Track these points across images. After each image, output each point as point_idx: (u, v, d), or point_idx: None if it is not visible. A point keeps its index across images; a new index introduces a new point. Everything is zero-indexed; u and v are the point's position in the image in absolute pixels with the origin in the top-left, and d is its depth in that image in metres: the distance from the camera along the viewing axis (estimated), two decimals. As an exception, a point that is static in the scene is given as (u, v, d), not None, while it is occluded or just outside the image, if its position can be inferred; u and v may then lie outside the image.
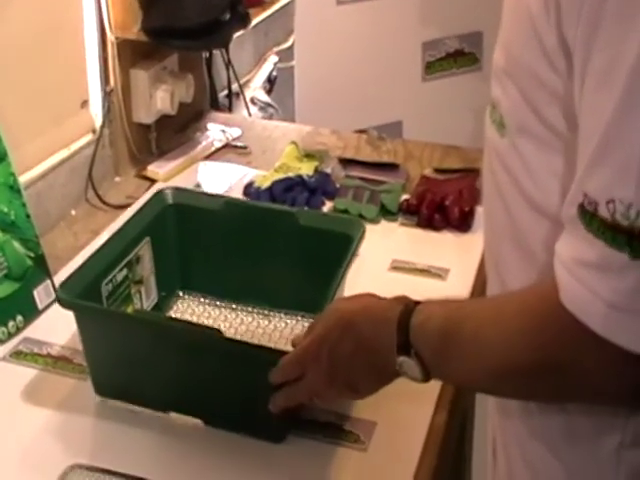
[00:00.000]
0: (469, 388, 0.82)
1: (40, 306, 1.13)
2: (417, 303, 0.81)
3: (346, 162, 1.53)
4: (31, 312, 1.12)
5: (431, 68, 1.92)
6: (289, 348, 0.90)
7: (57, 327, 1.10)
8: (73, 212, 1.39)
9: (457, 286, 1.21)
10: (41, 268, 1.15)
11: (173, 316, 1.12)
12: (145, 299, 1.10)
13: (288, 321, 1.11)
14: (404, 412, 0.98)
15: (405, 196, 1.41)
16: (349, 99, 1.87)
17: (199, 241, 1.14)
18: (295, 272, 1.11)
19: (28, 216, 1.14)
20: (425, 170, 1.51)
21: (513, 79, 0.74)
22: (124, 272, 1.05)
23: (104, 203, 1.40)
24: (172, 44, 1.49)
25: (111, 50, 1.45)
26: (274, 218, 1.12)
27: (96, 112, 1.45)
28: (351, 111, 1.87)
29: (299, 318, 1.11)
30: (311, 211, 1.12)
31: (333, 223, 1.10)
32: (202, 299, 1.15)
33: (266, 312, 1.12)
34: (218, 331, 0.92)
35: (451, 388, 1.02)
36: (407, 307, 0.80)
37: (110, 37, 1.43)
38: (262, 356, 0.89)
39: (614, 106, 0.62)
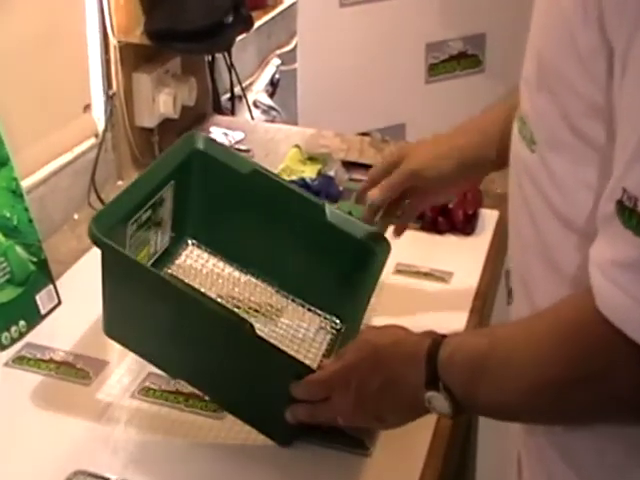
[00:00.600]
0: (500, 415, 0.81)
1: (43, 311, 1.13)
2: (444, 336, 0.81)
3: (349, 165, 1.53)
4: (34, 317, 1.12)
5: (434, 70, 1.92)
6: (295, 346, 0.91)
7: (60, 332, 1.10)
8: (76, 216, 1.38)
9: (461, 289, 1.20)
10: (44, 273, 1.14)
11: (179, 264, 1.11)
12: (159, 242, 1.09)
13: (291, 306, 1.11)
14: (408, 417, 0.97)
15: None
16: (352, 101, 1.87)
17: (218, 198, 1.11)
18: (308, 262, 1.09)
19: (31, 221, 1.14)
20: (429, 173, 1.50)
21: (545, 92, 0.71)
22: (148, 213, 1.02)
23: (107, 207, 1.40)
24: (175, 47, 1.50)
25: (113, 54, 1.45)
26: (299, 204, 1.09)
27: (99, 116, 1.45)
28: (354, 114, 1.86)
29: (302, 305, 1.11)
30: (339, 211, 1.10)
31: (359, 230, 1.08)
32: (210, 255, 1.13)
33: (270, 288, 1.12)
34: (251, 325, 0.89)
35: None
36: (435, 341, 0.80)
37: (112, 41, 1.43)
38: (289, 366, 0.88)
39: None
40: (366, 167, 1.52)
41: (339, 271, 1.06)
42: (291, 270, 1.11)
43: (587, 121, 0.68)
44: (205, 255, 1.15)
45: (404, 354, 0.83)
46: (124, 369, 1.05)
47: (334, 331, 1.09)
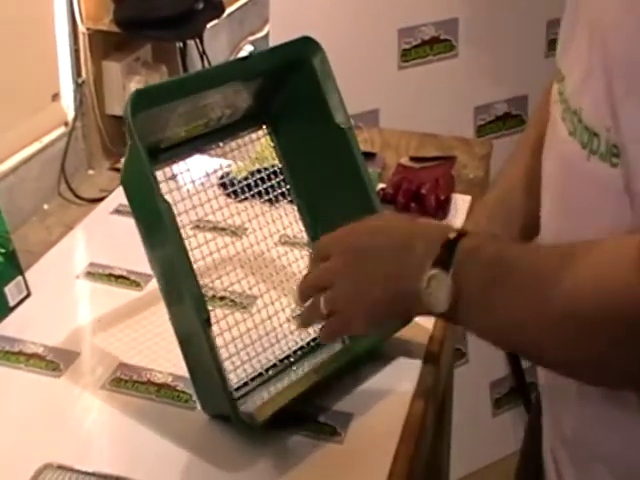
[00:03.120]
0: (504, 335, 0.72)
1: (12, 303, 1.12)
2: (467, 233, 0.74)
3: (322, 151, 1.52)
4: (2, 309, 1.11)
5: (407, 55, 1.91)
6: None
7: (29, 324, 1.08)
8: (46, 206, 1.37)
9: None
10: (12, 264, 1.13)
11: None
12: (224, 117, 1.03)
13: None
14: (380, 403, 0.97)
15: (381, 185, 1.41)
16: (325, 88, 1.86)
17: (302, 116, 1.06)
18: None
19: (-1, 211, 1.13)
20: (401, 159, 1.50)
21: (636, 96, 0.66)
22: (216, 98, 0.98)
23: (77, 197, 1.39)
24: (145, 35, 1.48)
25: (82, 41, 1.43)
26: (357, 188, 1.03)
27: (68, 104, 1.43)
28: (327, 100, 1.85)
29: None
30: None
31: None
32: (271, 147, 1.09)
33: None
34: (207, 319, 0.88)
35: (429, 377, 1.01)
36: (459, 232, 0.74)
37: (81, 28, 1.42)
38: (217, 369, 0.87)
39: None
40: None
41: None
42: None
43: None
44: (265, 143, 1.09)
45: (420, 227, 0.79)
46: (95, 360, 1.04)
47: None
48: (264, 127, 1.09)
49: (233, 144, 1.09)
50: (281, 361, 1.01)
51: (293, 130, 1.08)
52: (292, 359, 1.02)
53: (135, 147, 0.87)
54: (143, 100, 0.88)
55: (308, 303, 0.87)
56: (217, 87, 0.97)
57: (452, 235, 0.74)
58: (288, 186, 1.09)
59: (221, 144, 1.06)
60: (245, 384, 0.97)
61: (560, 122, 0.77)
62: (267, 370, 0.99)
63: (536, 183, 0.85)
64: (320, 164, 1.07)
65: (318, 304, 0.83)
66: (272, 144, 1.09)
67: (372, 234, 0.80)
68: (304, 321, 0.91)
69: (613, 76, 0.68)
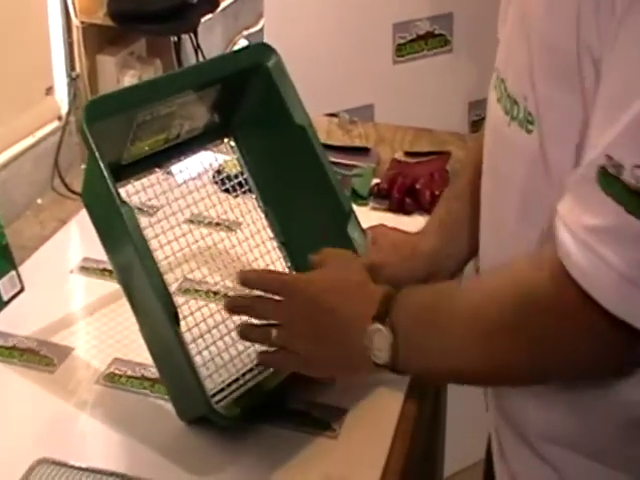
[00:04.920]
0: (440, 368, 0.79)
1: (5, 297, 1.11)
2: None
3: (317, 146, 1.52)
4: (-4, 304, 1.11)
5: (402, 50, 1.91)
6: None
7: (23, 319, 1.08)
8: (39, 201, 1.37)
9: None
10: (6, 259, 1.13)
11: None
12: (184, 130, 1.03)
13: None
14: (375, 398, 0.97)
15: (376, 180, 1.41)
16: (320, 82, 1.85)
17: (263, 126, 1.06)
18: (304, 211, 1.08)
19: (-8, 206, 1.12)
20: (396, 153, 1.50)
21: (558, 79, 0.71)
22: (172, 108, 0.97)
23: (71, 191, 1.38)
24: (139, 29, 1.48)
25: (76, 35, 1.43)
26: (325, 189, 1.04)
27: (62, 98, 1.43)
28: (322, 94, 1.85)
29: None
30: (358, 229, 1.06)
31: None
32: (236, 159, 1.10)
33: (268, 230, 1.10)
34: (175, 314, 0.87)
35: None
36: (393, 288, 0.81)
37: (75, 22, 1.41)
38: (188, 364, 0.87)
39: None
40: (334, 148, 1.51)
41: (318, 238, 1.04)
42: (295, 234, 1.08)
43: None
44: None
45: (365, 289, 0.84)
46: (89, 355, 1.04)
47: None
48: (226, 140, 1.09)
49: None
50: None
51: (257, 138, 1.08)
52: None
53: (92, 155, 0.86)
54: (98, 109, 0.88)
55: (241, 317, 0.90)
56: (171, 96, 0.96)
57: (388, 292, 0.80)
58: (254, 195, 1.09)
59: (182, 158, 1.05)
60: (221, 390, 0.95)
61: (493, 89, 0.83)
62: (244, 374, 0.97)
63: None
64: (285, 167, 1.07)
65: (269, 334, 0.86)
66: (235, 156, 1.09)
67: (325, 292, 0.84)
68: (246, 336, 0.90)
69: (534, 53, 0.73)
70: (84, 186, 0.95)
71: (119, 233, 0.88)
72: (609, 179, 0.62)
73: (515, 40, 0.77)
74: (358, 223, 1.05)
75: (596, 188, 0.63)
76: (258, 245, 1.08)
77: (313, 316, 0.84)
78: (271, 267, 1.08)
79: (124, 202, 0.87)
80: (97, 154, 0.86)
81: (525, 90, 0.75)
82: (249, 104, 1.05)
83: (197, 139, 1.06)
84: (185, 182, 1.07)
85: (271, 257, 1.09)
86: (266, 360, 0.90)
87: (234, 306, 0.89)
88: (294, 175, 1.06)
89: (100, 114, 0.88)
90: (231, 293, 1.07)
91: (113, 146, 0.92)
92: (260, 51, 1.03)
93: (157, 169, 1.02)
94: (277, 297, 0.86)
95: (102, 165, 0.86)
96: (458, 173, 1.09)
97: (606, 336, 0.66)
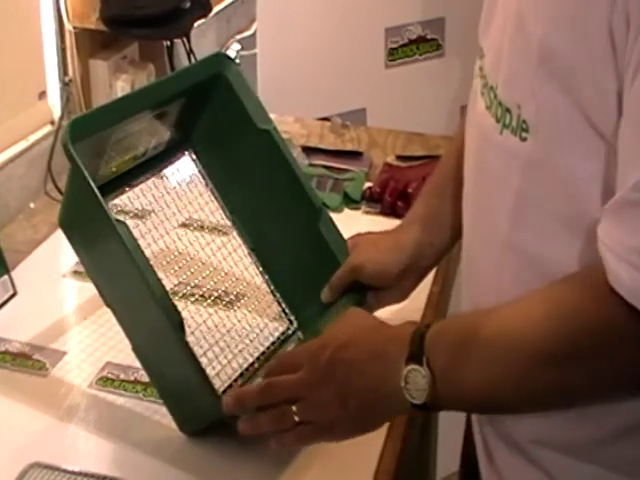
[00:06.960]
0: (483, 400, 0.76)
1: (-2, 302, 1.12)
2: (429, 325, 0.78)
3: (309, 150, 1.52)
4: (-11, 308, 1.11)
5: (394, 55, 1.92)
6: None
7: (16, 323, 1.08)
8: (32, 205, 1.37)
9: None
10: (-1, 263, 1.13)
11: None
12: (151, 147, 1.02)
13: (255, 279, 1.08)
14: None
15: (368, 184, 1.41)
16: (312, 87, 1.86)
17: (227, 134, 1.05)
18: (287, 240, 1.06)
19: (-16, 210, 1.12)
20: (388, 157, 1.51)
21: (557, 83, 0.69)
22: (143, 124, 0.97)
23: (64, 195, 1.38)
24: (131, 33, 1.48)
25: (69, 40, 1.43)
26: (294, 190, 1.03)
27: (54, 103, 1.43)
28: (314, 99, 1.86)
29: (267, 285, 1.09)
30: (331, 221, 1.05)
31: (336, 244, 1.04)
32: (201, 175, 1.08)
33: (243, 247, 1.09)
34: (181, 322, 0.87)
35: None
36: (421, 325, 0.78)
37: (68, 26, 1.42)
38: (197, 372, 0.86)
39: None
40: (326, 152, 1.52)
41: (308, 270, 1.04)
42: (268, 238, 1.07)
43: (601, 112, 0.67)
44: (195, 171, 1.09)
45: (386, 331, 0.80)
46: (81, 359, 1.04)
47: (288, 331, 1.07)
48: (186, 153, 1.08)
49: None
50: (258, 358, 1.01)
51: (220, 149, 1.07)
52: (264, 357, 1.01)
53: (79, 175, 0.84)
54: (81, 128, 0.86)
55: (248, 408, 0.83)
56: (144, 111, 0.95)
57: (418, 330, 0.77)
58: (219, 206, 1.08)
59: (148, 175, 1.04)
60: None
61: (479, 96, 0.81)
62: (236, 380, 0.97)
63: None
64: (253, 174, 1.06)
65: (285, 413, 0.80)
66: (197, 169, 1.08)
67: (343, 348, 0.80)
68: (258, 428, 0.83)
69: (531, 58, 0.71)
70: (63, 211, 0.93)
71: (114, 253, 0.86)
72: None
73: (507, 47, 0.76)
74: (330, 219, 1.05)
75: (638, 211, 0.63)
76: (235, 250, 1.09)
77: (335, 376, 0.79)
78: (245, 272, 1.08)
79: (120, 221, 0.86)
80: (86, 173, 0.83)
81: (519, 98, 0.73)
82: (210, 115, 1.05)
83: (160, 155, 1.05)
84: (174, 188, 1.07)
85: (244, 263, 1.09)
86: (283, 443, 0.83)
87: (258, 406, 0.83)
88: (262, 180, 1.06)
89: (83, 133, 0.86)
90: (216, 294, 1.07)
91: (89, 167, 0.89)
92: (218, 61, 1.03)
93: (127, 188, 1.01)
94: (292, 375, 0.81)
95: (92, 184, 0.84)
96: (436, 169, 1.07)
97: None
